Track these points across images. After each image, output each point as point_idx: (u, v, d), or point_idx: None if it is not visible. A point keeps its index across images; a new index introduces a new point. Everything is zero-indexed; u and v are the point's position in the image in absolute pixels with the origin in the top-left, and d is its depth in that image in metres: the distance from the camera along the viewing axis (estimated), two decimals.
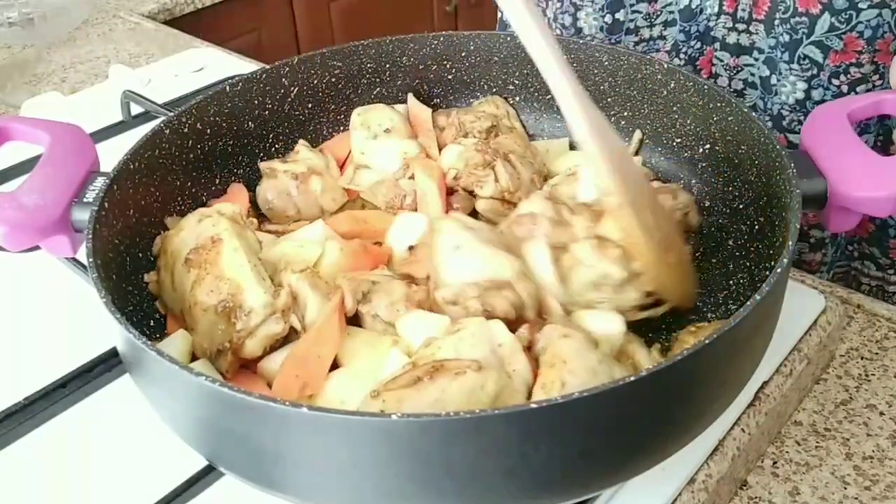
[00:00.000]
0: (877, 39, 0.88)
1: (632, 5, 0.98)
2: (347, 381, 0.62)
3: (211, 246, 0.66)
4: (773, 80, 0.95)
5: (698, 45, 0.98)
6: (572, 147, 0.88)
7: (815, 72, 0.91)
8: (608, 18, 1.00)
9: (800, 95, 0.93)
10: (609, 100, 0.86)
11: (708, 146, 0.78)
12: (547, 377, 0.57)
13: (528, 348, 0.61)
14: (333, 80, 0.88)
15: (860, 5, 0.87)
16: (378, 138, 0.84)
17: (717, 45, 0.98)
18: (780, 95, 0.95)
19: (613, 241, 0.67)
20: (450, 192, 0.80)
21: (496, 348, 0.59)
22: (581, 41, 0.87)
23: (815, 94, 0.93)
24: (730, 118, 0.74)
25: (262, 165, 0.82)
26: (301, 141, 0.86)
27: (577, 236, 0.68)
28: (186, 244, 0.67)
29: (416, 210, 0.79)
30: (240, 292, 0.63)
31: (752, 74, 0.97)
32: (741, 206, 0.74)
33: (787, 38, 0.91)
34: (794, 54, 0.91)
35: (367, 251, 0.73)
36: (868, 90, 0.91)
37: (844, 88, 0.91)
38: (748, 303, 0.52)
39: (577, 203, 0.74)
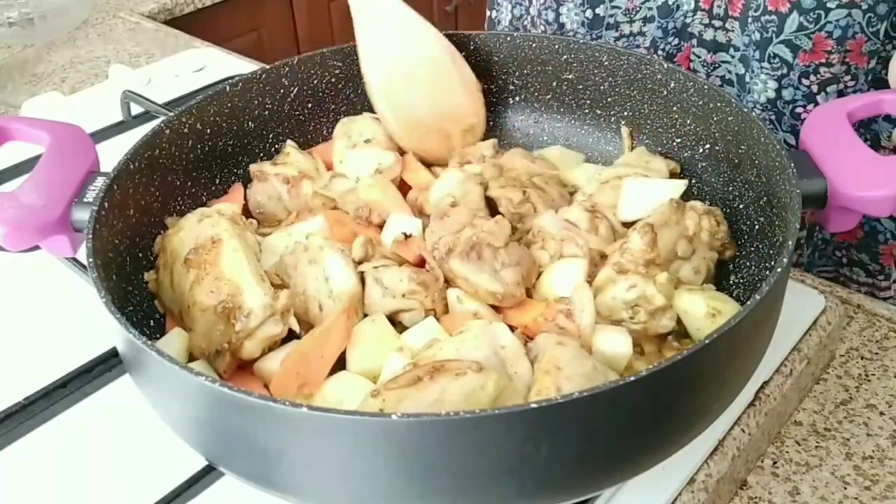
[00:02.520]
0: (847, 40, 0.88)
1: (611, 1, 0.98)
2: (346, 382, 0.62)
3: (211, 246, 0.66)
4: (747, 77, 0.95)
5: (676, 41, 0.98)
6: (591, 160, 0.87)
7: (784, 71, 0.91)
8: (588, 14, 1.00)
9: (771, 94, 0.93)
10: (609, 100, 0.86)
11: (708, 146, 0.78)
12: (542, 383, 0.57)
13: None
14: (333, 80, 0.88)
15: (829, 5, 0.86)
16: (357, 148, 0.83)
17: (694, 41, 0.98)
18: (752, 94, 0.95)
19: (661, 265, 0.67)
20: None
21: (498, 350, 0.59)
22: (582, 41, 0.87)
23: (786, 94, 0.93)
24: (730, 118, 0.74)
25: (253, 168, 0.81)
26: (289, 142, 0.85)
27: (624, 258, 0.68)
28: (186, 244, 0.67)
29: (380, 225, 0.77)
30: (239, 293, 0.63)
31: (730, 72, 0.98)
32: (741, 206, 0.74)
33: (758, 36, 0.91)
34: (764, 52, 0.91)
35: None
36: (838, 90, 0.91)
37: (814, 88, 0.91)
38: (748, 303, 0.52)
39: (618, 220, 0.75)
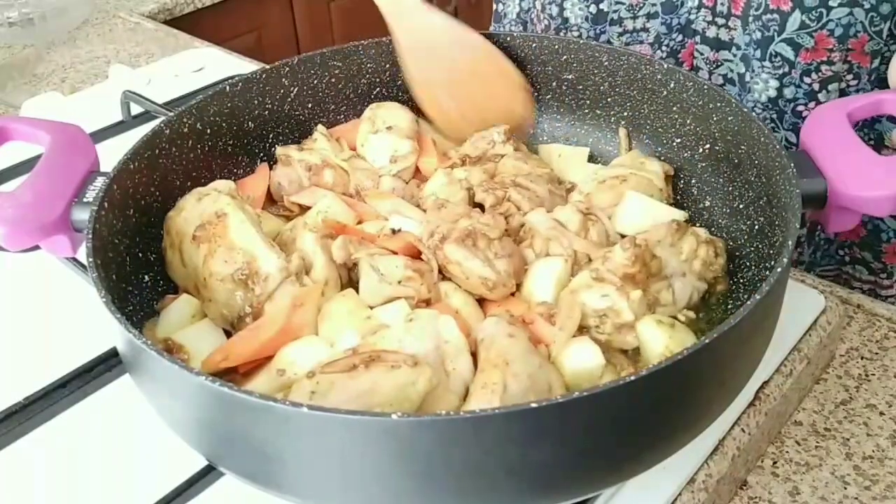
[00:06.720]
0: (849, 38, 0.88)
1: None
2: (304, 347, 0.63)
3: (217, 220, 0.68)
4: (748, 77, 0.95)
5: (679, 37, 0.99)
6: (591, 159, 0.87)
7: (786, 69, 0.92)
8: (592, 9, 1.01)
9: (772, 93, 0.94)
10: (609, 100, 0.86)
11: (708, 146, 0.78)
12: (489, 377, 0.56)
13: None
14: (333, 80, 0.88)
15: (830, 3, 0.87)
16: (378, 133, 0.84)
17: (697, 38, 0.98)
18: (753, 93, 0.95)
19: (638, 281, 0.66)
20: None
21: (441, 344, 0.60)
22: (582, 41, 0.87)
23: (787, 93, 0.93)
24: (730, 118, 0.74)
25: (279, 151, 0.83)
26: (319, 127, 0.87)
27: (604, 267, 0.66)
28: (190, 222, 0.69)
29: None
30: (254, 260, 0.67)
31: (731, 70, 0.98)
32: (741, 206, 0.74)
33: (759, 35, 0.91)
34: (766, 51, 0.91)
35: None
36: (840, 89, 0.91)
37: (816, 86, 0.92)
38: (748, 303, 0.52)
39: (612, 225, 0.74)
